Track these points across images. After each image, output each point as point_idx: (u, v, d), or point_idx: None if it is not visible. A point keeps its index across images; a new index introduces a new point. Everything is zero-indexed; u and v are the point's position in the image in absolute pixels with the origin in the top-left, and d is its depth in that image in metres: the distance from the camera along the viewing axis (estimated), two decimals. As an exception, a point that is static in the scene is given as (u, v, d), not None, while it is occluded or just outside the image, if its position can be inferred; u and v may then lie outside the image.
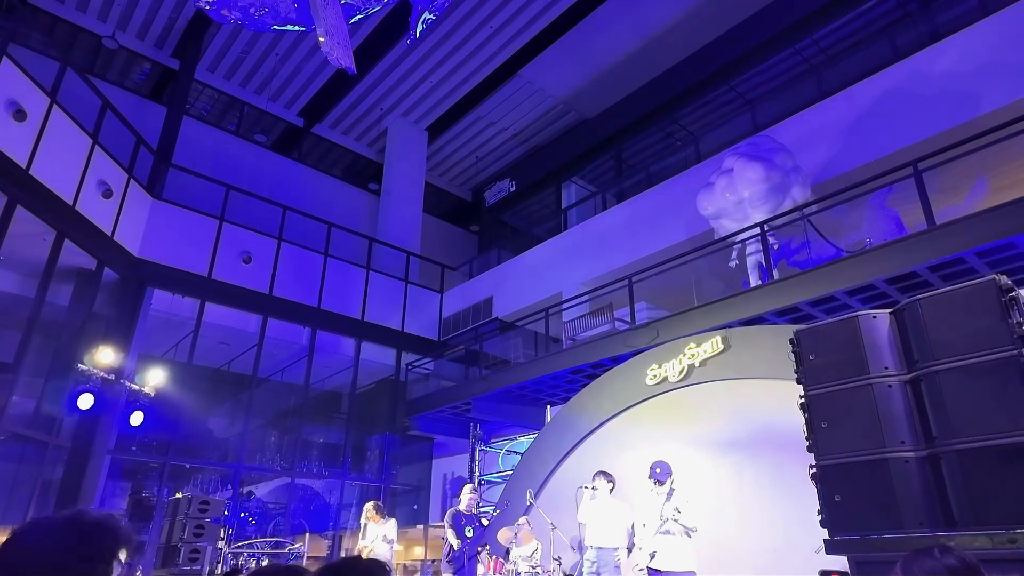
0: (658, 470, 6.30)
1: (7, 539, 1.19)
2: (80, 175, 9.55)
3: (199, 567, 7.84)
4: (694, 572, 6.03)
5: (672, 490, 6.22)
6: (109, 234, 10.22)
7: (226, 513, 8.62)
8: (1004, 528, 2.99)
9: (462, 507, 7.71)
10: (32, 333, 8.80)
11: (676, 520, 5.94)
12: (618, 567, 6.67)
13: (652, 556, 5.98)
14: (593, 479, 7.01)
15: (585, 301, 11.51)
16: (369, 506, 8.39)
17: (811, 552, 4.22)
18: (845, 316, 3.88)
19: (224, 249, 12.18)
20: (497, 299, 14.55)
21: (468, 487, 8.06)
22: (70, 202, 9.31)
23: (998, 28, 8.76)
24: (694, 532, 6.03)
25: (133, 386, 9.11)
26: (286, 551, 9.61)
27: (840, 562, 3.63)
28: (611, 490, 6.96)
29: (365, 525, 8.28)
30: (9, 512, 8.93)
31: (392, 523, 8.29)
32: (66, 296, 10.04)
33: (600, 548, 6.72)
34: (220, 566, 8.30)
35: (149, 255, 11.18)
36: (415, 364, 14.21)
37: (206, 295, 11.76)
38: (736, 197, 9.36)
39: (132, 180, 10.89)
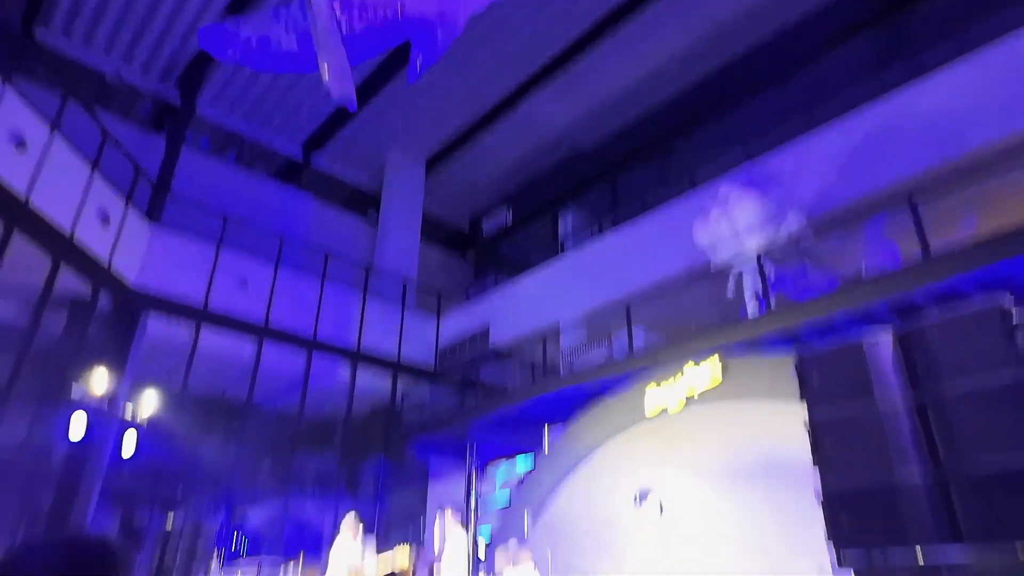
0: (636, 495, 6.68)
1: (3, 558, 1.14)
2: (79, 204, 9.58)
3: (190, 597, 7.65)
4: None
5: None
6: (106, 264, 10.20)
7: (218, 543, 8.42)
8: (1012, 549, 2.97)
9: None
10: (25, 360, 8.72)
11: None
12: None
13: None
14: None
15: (583, 329, 11.50)
16: (352, 517, 7.80)
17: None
18: (850, 341, 3.90)
19: (221, 278, 12.15)
20: (494, 328, 14.51)
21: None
22: (67, 231, 9.32)
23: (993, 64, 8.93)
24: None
25: (126, 414, 9.01)
26: (278, 579, 9.39)
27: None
28: None
29: (338, 540, 7.68)
30: (-3, 539, 8.73)
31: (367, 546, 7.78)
32: (60, 323, 9.96)
33: None
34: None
35: (145, 284, 11.14)
36: (411, 393, 14.08)
37: (202, 324, 11.70)
38: (731, 227, 9.46)
39: (130, 210, 10.92)
